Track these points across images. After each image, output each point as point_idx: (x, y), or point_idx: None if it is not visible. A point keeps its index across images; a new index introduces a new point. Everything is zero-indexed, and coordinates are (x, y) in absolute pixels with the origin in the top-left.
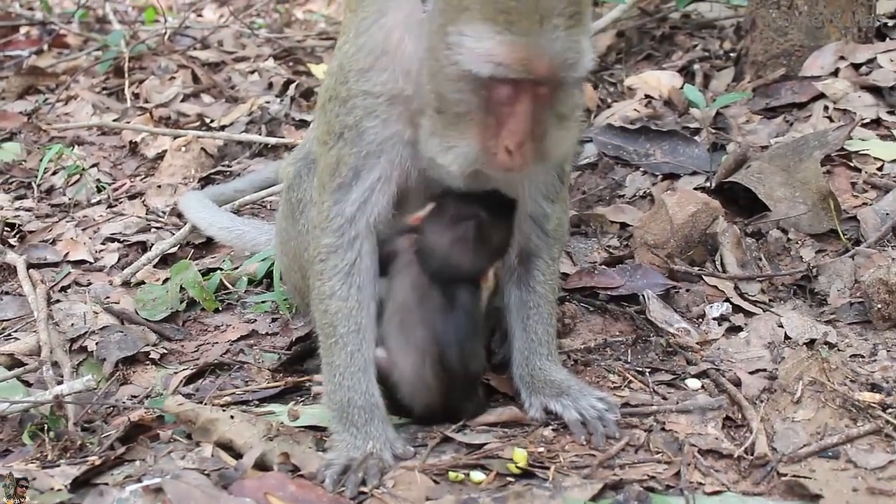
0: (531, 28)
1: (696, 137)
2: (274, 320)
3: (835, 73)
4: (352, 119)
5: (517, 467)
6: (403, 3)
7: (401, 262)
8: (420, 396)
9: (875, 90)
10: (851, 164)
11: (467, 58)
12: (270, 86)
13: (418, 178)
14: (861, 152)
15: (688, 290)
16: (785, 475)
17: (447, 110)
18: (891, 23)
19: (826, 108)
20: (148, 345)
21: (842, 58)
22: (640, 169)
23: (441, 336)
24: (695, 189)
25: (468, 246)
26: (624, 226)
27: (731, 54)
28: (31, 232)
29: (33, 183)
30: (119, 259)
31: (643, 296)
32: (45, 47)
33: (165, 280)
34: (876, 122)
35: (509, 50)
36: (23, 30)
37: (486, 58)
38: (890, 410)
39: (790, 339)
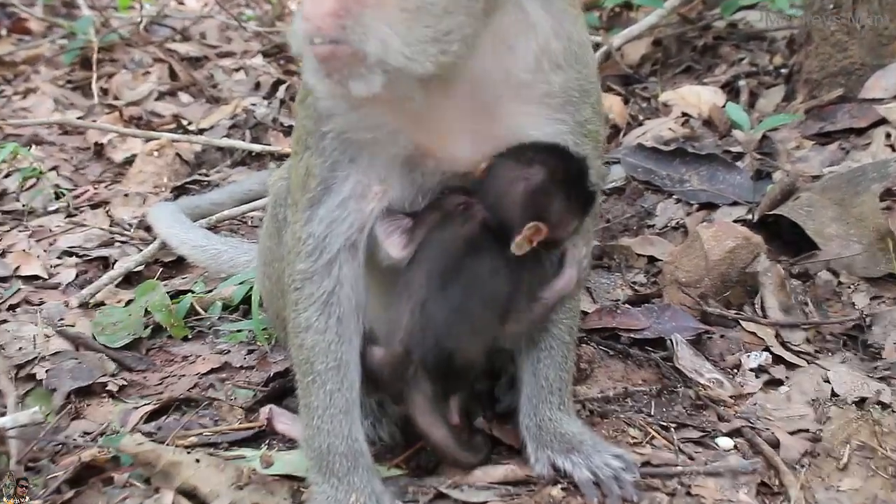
0: None
1: (738, 163)
2: (250, 352)
3: None
4: (311, 121)
5: None
6: None
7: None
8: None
9: None
10: None
11: None
12: (258, 86)
13: (405, 188)
14: None
15: (722, 336)
16: None
17: None
18: None
19: (888, 135)
20: (105, 375)
21: None
22: (674, 196)
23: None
24: (734, 222)
25: (536, 191)
26: (652, 260)
27: (783, 70)
28: None
29: None
30: (77, 276)
31: (671, 340)
32: (3, 32)
33: (129, 302)
34: None
35: None
36: None
37: None
38: None
39: (837, 396)
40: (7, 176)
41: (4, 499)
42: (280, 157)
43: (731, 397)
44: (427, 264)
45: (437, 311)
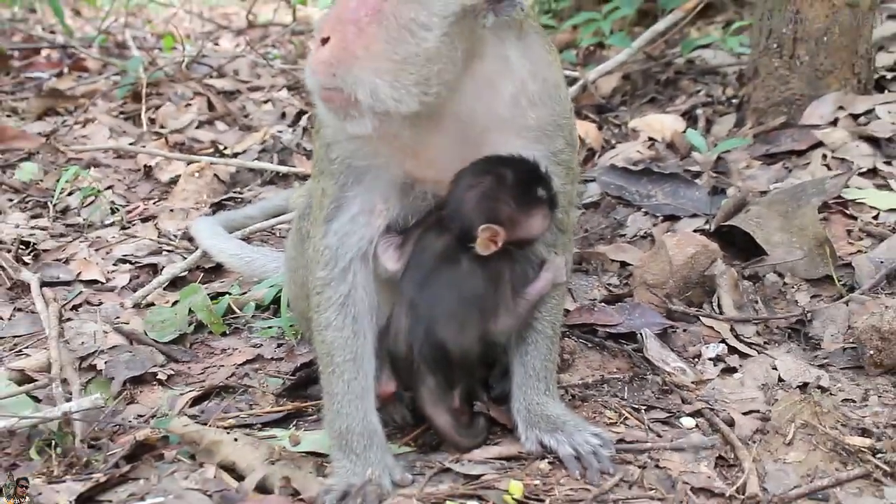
0: None
1: (696, 181)
2: (279, 346)
3: (834, 123)
4: (324, 149)
5: (513, 499)
6: None
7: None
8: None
9: (872, 140)
10: (848, 212)
11: None
12: (283, 115)
13: (403, 205)
14: (857, 201)
15: (685, 331)
16: None
17: None
18: (889, 75)
19: (824, 156)
20: (155, 365)
21: (841, 108)
22: (642, 209)
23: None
24: (694, 231)
25: (484, 196)
26: (624, 265)
27: (733, 101)
28: (45, 251)
29: (49, 203)
30: (130, 280)
31: (641, 334)
32: (65, 70)
33: (175, 303)
34: (872, 172)
35: None
36: (44, 52)
37: None
38: (879, 455)
39: (784, 381)
40: (70, 194)
41: (4, 499)
42: (303, 177)
43: (692, 383)
44: (412, 272)
45: (423, 311)
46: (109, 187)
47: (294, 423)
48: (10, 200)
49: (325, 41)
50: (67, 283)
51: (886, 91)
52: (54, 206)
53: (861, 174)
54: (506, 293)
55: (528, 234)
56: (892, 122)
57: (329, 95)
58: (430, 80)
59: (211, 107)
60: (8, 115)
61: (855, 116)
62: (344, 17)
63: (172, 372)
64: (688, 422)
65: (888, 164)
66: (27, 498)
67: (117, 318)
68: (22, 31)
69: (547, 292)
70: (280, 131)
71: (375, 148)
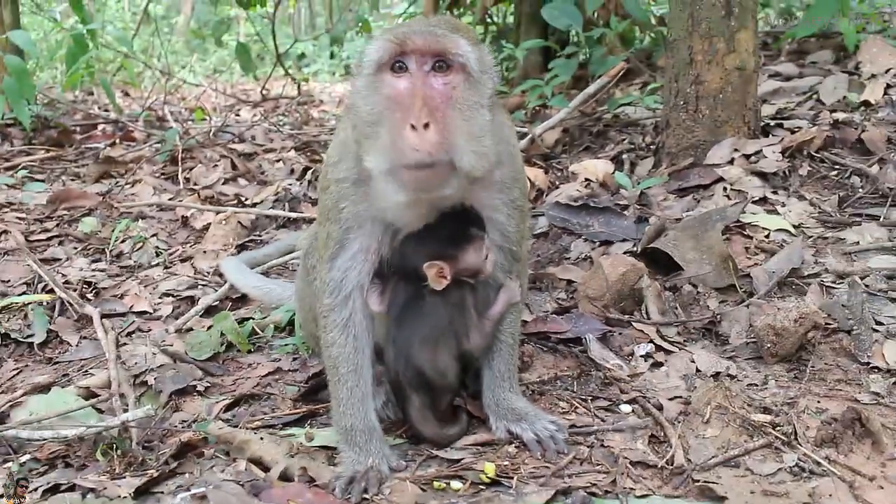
0: (405, 26)
1: (625, 212)
2: (295, 360)
3: (731, 162)
4: (331, 202)
5: (487, 477)
6: None
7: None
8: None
9: (762, 175)
10: (745, 233)
11: (369, 58)
12: (292, 171)
13: (391, 246)
14: (752, 224)
15: (620, 334)
16: (698, 481)
17: (366, 123)
18: (772, 123)
19: (725, 188)
20: (195, 379)
21: (736, 150)
22: (582, 237)
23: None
24: (625, 253)
25: (423, 241)
26: (570, 282)
27: (651, 147)
28: (104, 289)
29: (106, 249)
30: (173, 310)
31: (585, 338)
32: (117, 141)
33: (209, 327)
34: (763, 200)
35: (388, 36)
36: (100, 127)
37: (374, 52)
38: (778, 428)
39: (700, 371)
40: (123, 242)
41: (4, 499)
42: (309, 221)
43: (628, 376)
44: (391, 311)
45: (401, 343)
46: (154, 235)
47: (308, 422)
48: (75, 248)
49: (426, 126)
50: (122, 315)
51: (770, 135)
52: (110, 251)
53: (754, 202)
54: (472, 317)
55: (469, 266)
56: (776, 159)
57: (429, 170)
58: (491, 146)
59: (234, 166)
60: (72, 179)
61: (747, 156)
62: (433, 106)
63: (209, 384)
64: (625, 408)
65: (775, 193)
66: (27, 497)
67: (163, 341)
68: (82, 110)
69: (506, 310)
70: (290, 184)
71: (383, 203)
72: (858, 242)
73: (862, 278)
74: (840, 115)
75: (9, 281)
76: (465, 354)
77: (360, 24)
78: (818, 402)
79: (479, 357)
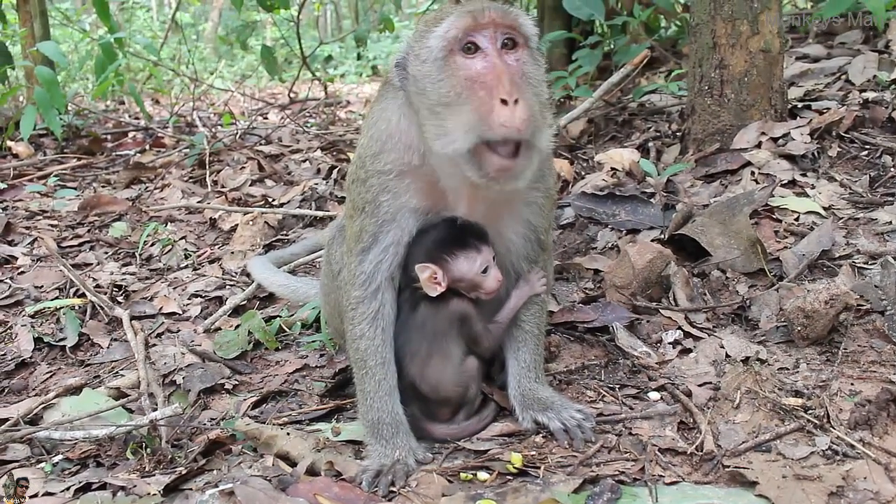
0: (474, 4)
1: (651, 200)
2: (321, 356)
3: (758, 146)
4: (370, 195)
5: (514, 468)
6: (396, 96)
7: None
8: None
9: (790, 158)
10: (774, 217)
11: (436, 43)
12: (318, 171)
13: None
14: (781, 207)
15: (648, 321)
16: (728, 467)
17: (441, 106)
18: (800, 105)
19: (753, 173)
20: (223, 378)
21: (763, 133)
22: (609, 226)
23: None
24: (651, 241)
25: (421, 244)
26: (597, 272)
27: (677, 134)
28: (133, 291)
29: (136, 252)
30: (201, 311)
31: (612, 327)
32: (147, 147)
33: (237, 326)
34: (792, 183)
35: (459, 15)
36: (130, 134)
37: (447, 31)
38: (810, 412)
39: (730, 357)
40: (152, 245)
41: (5, 499)
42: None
43: (656, 363)
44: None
45: (399, 354)
46: (183, 237)
47: (335, 417)
48: (106, 252)
49: (516, 102)
50: (152, 316)
51: (798, 118)
52: (140, 255)
53: (783, 185)
54: (477, 325)
55: (463, 276)
56: (804, 142)
57: (513, 160)
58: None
59: (261, 168)
60: (103, 186)
61: (775, 139)
62: (516, 81)
63: (237, 382)
64: (654, 395)
65: (804, 175)
66: (26, 498)
67: (192, 341)
68: (113, 118)
69: (528, 302)
70: (316, 184)
71: (417, 193)
72: (891, 222)
73: (895, 258)
74: (870, 95)
75: (42, 286)
76: (478, 356)
77: (382, 24)
78: (851, 384)
79: (492, 356)
